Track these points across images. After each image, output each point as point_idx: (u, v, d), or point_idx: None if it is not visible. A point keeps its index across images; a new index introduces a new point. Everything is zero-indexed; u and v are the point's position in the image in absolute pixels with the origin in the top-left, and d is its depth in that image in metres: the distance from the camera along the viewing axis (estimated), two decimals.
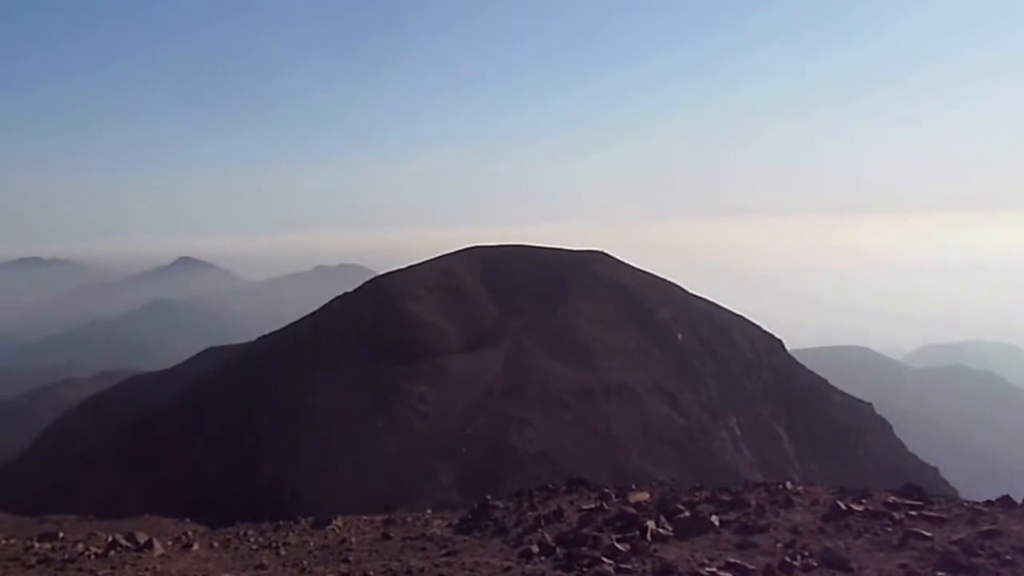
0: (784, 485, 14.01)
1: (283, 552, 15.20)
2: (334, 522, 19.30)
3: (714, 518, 11.56)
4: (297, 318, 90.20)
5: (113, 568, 13.64)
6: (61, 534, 19.04)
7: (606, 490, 16.43)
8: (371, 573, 11.56)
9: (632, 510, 12.90)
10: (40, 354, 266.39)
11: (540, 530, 13.02)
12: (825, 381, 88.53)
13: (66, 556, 15.17)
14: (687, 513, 11.97)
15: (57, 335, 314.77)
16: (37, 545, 17.24)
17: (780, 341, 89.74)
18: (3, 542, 17.68)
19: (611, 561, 10.13)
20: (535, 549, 11.46)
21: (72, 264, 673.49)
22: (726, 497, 13.28)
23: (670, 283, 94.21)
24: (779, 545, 10.21)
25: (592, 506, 14.21)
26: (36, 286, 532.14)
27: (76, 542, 17.51)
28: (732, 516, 11.83)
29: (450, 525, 16.50)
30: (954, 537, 9.62)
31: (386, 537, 15.76)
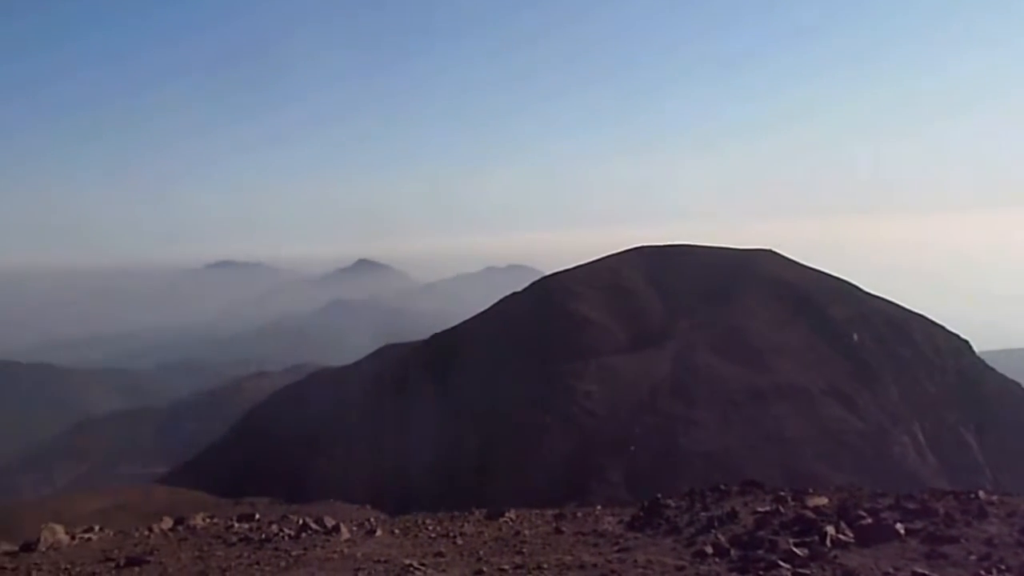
0: (976, 494, 13.20)
1: (460, 542, 15.56)
2: (507, 515, 19.63)
3: (899, 526, 11.06)
4: (468, 317, 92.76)
5: (305, 549, 14.41)
6: (257, 515, 20.17)
7: (781, 493, 16.00)
8: (545, 566, 11.66)
9: (810, 514, 12.52)
10: (234, 349, 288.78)
11: (714, 531, 12.87)
12: (1019, 385, 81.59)
13: (263, 536, 16.09)
14: (870, 520, 11.51)
15: (249, 331, 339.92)
16: (236, 525, 18.49)
17: (967, 342, 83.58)
18: (207, 521, 19.03)
19: (789, 565, 9.88)
20: (709, 550, 11.31)
21: (262, 266, 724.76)
22: (911, 505, 12.66)
23: (842, 281, 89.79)
24: (972, 557, 9.67)
25: (767, 509, 13.86)
26: (230, 286, 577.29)
27: (271, 523, 18.57)
28: (919, 525, 11.29)
29: (621, 522, 16.47)
30: None
31: (558, 531, 15.94)
